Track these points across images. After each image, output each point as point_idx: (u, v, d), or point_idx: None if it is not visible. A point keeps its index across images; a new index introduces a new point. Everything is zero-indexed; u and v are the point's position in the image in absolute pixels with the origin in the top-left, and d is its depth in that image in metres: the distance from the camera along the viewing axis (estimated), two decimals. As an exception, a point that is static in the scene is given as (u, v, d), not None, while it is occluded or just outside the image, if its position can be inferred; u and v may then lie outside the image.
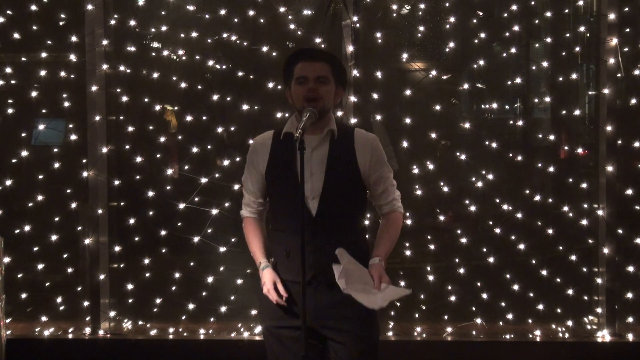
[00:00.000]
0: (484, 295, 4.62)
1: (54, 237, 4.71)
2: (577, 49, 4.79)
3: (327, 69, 2.79)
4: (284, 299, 2.77)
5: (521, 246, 4.59)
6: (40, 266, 4.78)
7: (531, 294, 4.61)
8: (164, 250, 4.77)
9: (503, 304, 4.63)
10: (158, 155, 4.77)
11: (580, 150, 4.71)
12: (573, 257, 4.61)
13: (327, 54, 2.91)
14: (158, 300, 4.74)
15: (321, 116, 2.77)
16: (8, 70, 4.76)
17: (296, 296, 2.76)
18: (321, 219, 2.76)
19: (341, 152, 2.81)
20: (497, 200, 4.62)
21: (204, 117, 4.73)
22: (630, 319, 4.61)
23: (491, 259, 4.61)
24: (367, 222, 3.94)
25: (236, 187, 4.59)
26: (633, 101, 4.59)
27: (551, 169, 4.63)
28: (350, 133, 2.87)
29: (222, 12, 4.69)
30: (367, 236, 3.12)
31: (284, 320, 2.80)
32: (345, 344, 2.78)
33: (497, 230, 4.61)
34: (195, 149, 4.68)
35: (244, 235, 2.99)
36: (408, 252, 4.63)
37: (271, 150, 2.86)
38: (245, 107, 4.64)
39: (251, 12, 4.66)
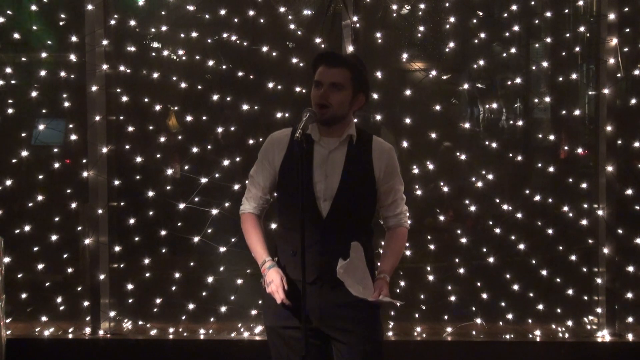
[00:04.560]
0: (484, 295, 4.62)
1: (54, 237, 4.71)
2: (577, 49, 4.79)
3: (344, 75, 2.76)
4: (289, 299, 2.75)
5: (521, 246, 4.59)
6: (40, 266, 4.77)
7: (531, 294, 4.61)
8: (164, 250, 4.77)
9: (503, 304, 4.63)
10: (158, 155, 4.77)
11: (580, 150, 4.71)
12: (573, 257, 4.61)
13: (349, 59, 2.86)
14: (158, 300, 4.74)
15: (333, 122, 2.78)
16: (8, 70, 4.76)
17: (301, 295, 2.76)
18: (331, 221, 2.76)
19: (358, 157, 2.83)
20: (497, 200, 4.62)
21: (204, 117, 4.73)
22: (630, 319, 4.61)
23: (491, 259, 4.61)
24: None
25: (236, 187, 4.59)
26: (633, 101, 4.59)
27: (551, 169, 4.63)
28: (369, 140, 2.88)
29: (222, 12, 4.69)
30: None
31: (288, 320, 2.79)
32: (349, 345, 2.78)
33: (497, 230, 4.61)
34: (195, 149, 4.68)
35: (244, 231, 2.94)
36: (408, 252, 4.63)
37: (288, 148, 2.86)
38: (245, 107, 4.64)
39: (251, 12, 4.66)
